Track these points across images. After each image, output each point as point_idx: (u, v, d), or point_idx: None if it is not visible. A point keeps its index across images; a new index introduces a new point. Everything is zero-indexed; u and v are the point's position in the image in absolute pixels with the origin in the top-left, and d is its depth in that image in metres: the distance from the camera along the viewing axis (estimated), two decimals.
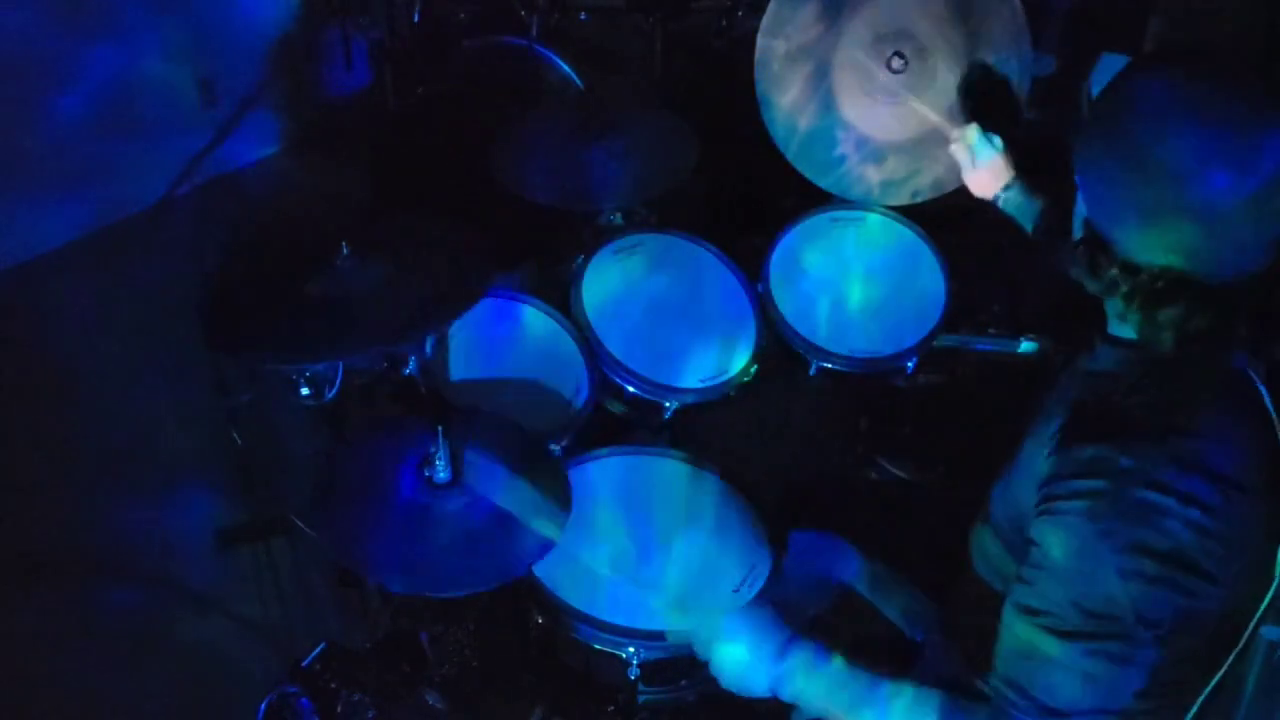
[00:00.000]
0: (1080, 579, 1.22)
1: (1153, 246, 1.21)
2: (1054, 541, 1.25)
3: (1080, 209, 1.30)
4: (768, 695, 1.48)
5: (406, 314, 1.73)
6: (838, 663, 1.43)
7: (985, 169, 2.00)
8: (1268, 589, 1.26)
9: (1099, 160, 1.24)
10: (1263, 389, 1.27)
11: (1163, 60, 1.26)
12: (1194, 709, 1.31)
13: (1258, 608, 1.27)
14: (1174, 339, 1.22)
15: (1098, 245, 1.26)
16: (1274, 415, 1.26)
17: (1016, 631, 1.28)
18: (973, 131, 2.01)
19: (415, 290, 1.77)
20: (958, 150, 2.04)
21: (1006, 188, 1.98)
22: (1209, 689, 1.31)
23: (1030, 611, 1.26)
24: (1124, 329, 1.32)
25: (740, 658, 1.49)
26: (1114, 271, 1.24)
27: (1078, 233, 1.32)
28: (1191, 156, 1.15)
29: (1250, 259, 1.18)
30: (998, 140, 2.00)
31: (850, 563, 1.76)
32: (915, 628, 1.69)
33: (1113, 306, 1.31)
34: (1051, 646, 1.23)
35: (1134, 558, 1.18)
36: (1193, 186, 1.15)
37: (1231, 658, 1.29)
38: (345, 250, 1.75)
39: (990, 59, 2.19)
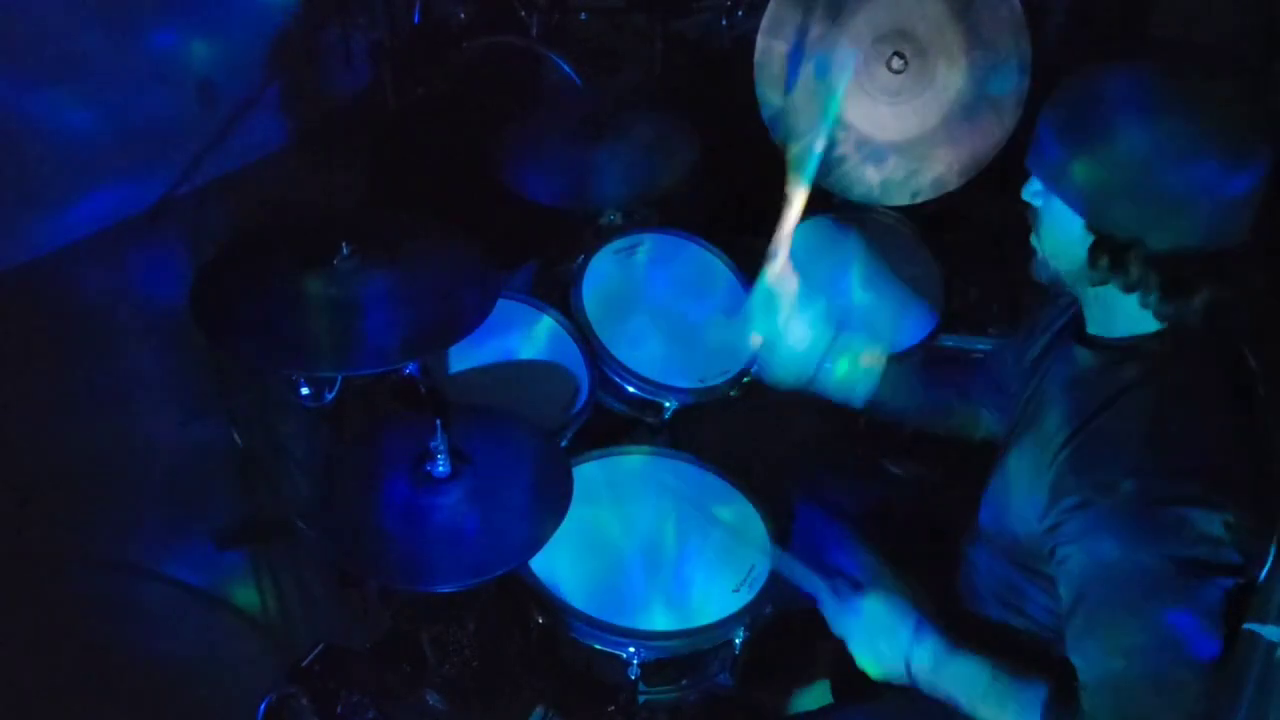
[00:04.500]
0: (1120, 604, 1.24)
1: (1170, 232, 1.23)
2: (1084, 574, 1.27)
3: (1063, 225, 1.31)
4: (898, 673, 1.46)
5: (414, 331, 1.74)
6: (964, 655, 1.42)
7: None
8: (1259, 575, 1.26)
9: (1096, 165, 1.25)
10: (1254, 359, 1.29)
11: (1116, 66, 1.27)
12: None
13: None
14: (1203, 314, 1.25)
15: (1114, 246, 1.27)
16: (1260, 392, 1.28)
17: (1086, 668, 1.29)
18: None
19: (421, 303, 1.77)
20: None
21: None
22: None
23: (1088, 649, 1.28)
24: (1108, 328, 1.33)
25: (879, 632, 1.48)
26: (1138, 267, 1.26)
27: (1052, 250, 1.35)
28: (1183, 140, 1.19)
29: (1247, 221, 1.22)
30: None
31: (850, 560, 1.75)
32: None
33: (1123, 310, 1.31)
34: (1120, 676, 1.25)
35: (1165, 571, 1.20)
36: (1191, 168, 1.19)
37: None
38: (345, 250, 1.75)
39: (990, 59, 2.20)
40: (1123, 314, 1.33)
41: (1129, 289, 1.28)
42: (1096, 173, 1.25)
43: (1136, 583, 1.22)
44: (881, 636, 1.48)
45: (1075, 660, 1.31)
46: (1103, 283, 1.30)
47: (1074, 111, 1.28)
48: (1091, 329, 1.39)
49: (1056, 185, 1.30)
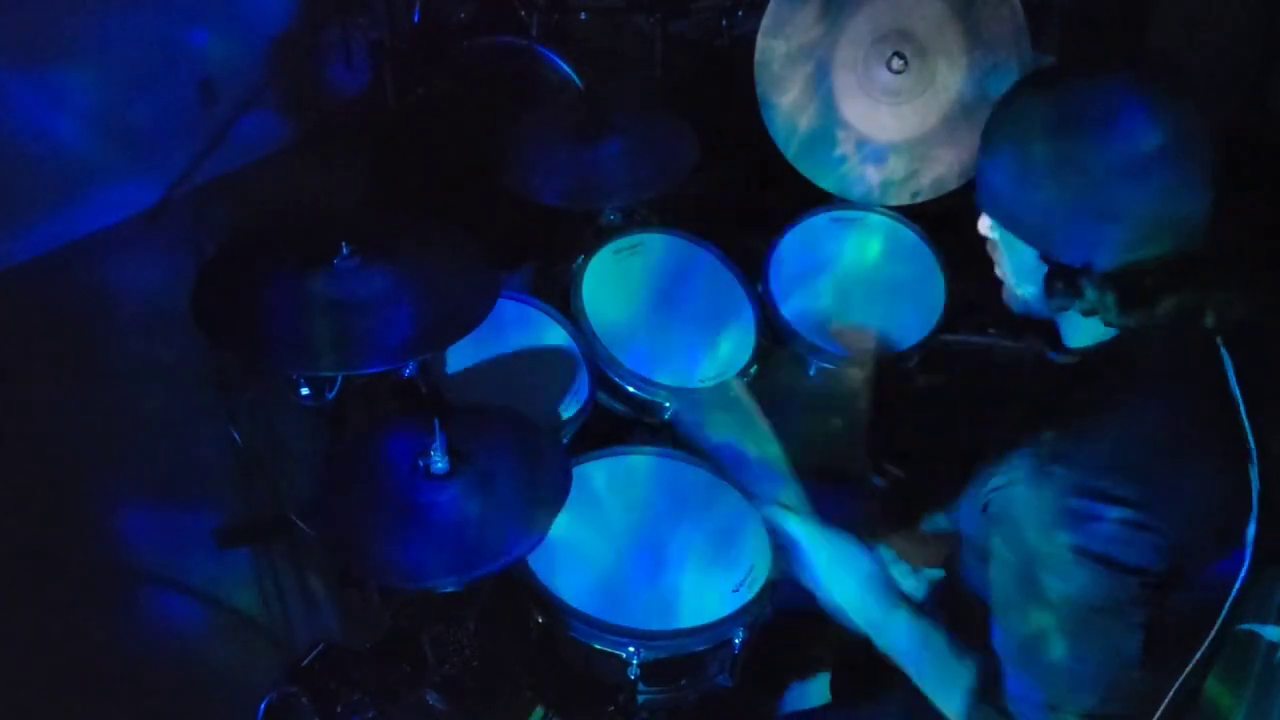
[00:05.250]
0: (1033, 577, 1.24)
1: (1118, 251, 1.22)
2: (1004, 548, 1.28)
3: (1018, 256, 1.31)
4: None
5: (414, 330, 1.74)
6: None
7: None
8: (1237, 570, 1.26)
9: (1031, 194, 1.24)
10: (1226, 356, 1.27)
11: (1036, 91, 1.26)
12: (1166, 700, 1.32)
13: (1227, 593, 1.27)
14: (1173, 318, 1.23)
15: (1067, 273, 1.26)
16: (1234, 384, 1.26)
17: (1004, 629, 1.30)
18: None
19: (421, 303, 1.78)
20: None
21: None
22: (1181, 679, 1.31)
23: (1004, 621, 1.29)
24: (1081, 341, 1.33)
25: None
26: (1093, 289, 1.25)
27: (1015, 281, 1.35)
28: (1127, 153, 1.17)
29: (1203, 225, 1.21)
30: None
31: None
32: None
33: (1092, 322, 1.30)
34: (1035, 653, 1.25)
35: (1073, 559, 1.20)
36: (1127, 187, 1.18)
37: (1203, 649, 1.30)
38: (345, 250, 1.75)
39: (990, 59, 2.20)
40: (1091, 330, 1.32)
41: (1087, 313, 1.28)
42: (1033, 201, 1.24)
43: (1042, 566, 1.23)
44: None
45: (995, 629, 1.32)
46: (1063, 309, 1.30)
47: (1003, 142, 1.27)
48: (1068, 343, 1.38)
49: (1001, 218, 1.30)
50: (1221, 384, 1.27)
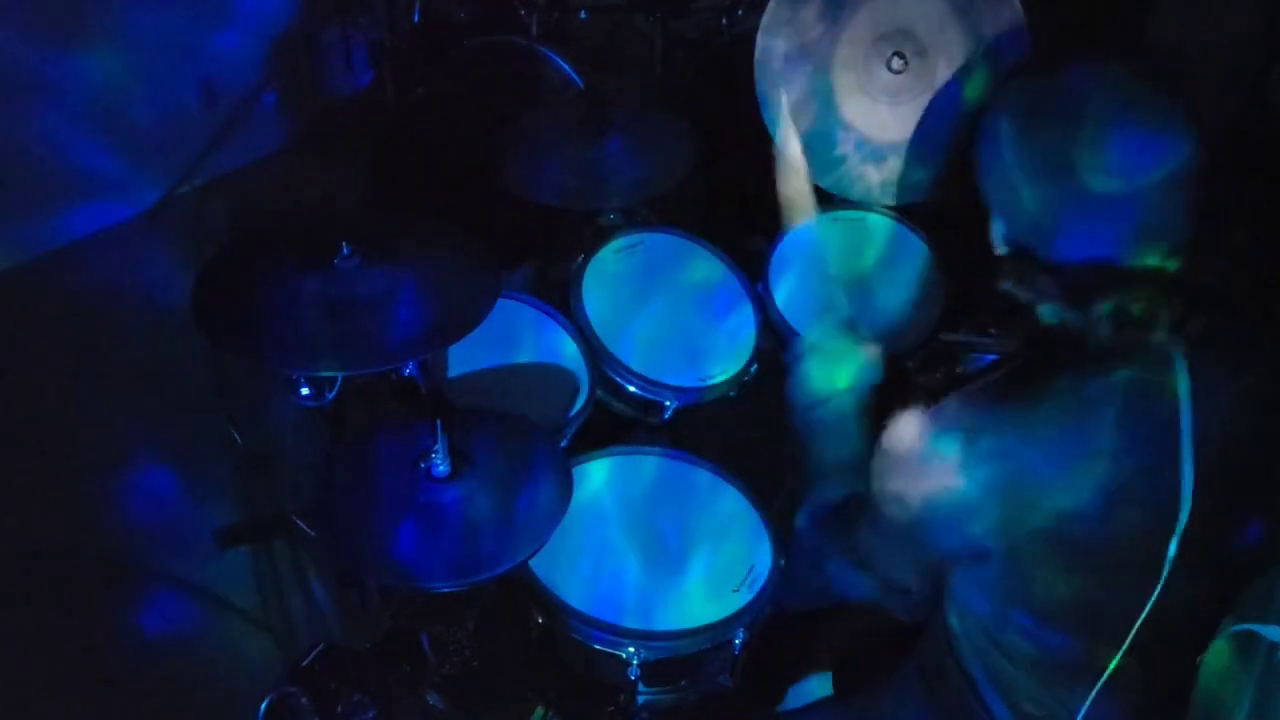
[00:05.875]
0: None
1: (1059, 245, 1.25)
2: None
3: (997, 227, 1.32)
4: None
5: (414, 330, 1.74)
6: None
7: None
8: (1153, 580, 1.28)
9: (1009, 170, 1.27)
10: (1181, 371, 1.26)
11: (1054, 63, 1.29)
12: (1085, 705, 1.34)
13: (1141, 599, 1.29)
14: (1112, 327, 1.24)
15: (1024, 255, 1.29)
16: (1184, 399, 1.25)
17: None
18: None
19: (421, 303, 1.78)
20: None
21: None
22: (1100, 684, 1.33)
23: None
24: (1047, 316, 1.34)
25: None
26: (1044, 277, 1.27)
27: (1001, 249, 1.36)
28: (1102, 150, 1.19)
29: (1176, 239, 1.22)
30: None
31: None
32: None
33: (1046, 312, 1.32)
34: None
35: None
36: (1106, 179, 1.19)
37: (1120, 654, 1.32)
38: (345, 250, 1.75)
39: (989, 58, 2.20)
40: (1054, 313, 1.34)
41: (1030, 301, 1.31)
42: (993, 182, 1.30)
43: None
44: None
45: None
46: (1009, 289, 1.33)
47: (986, 113, 1.32)
48: (1040, 318, 1.40)
49: (988, 179, 1.33)
50: (1166, 390, 1.26)
